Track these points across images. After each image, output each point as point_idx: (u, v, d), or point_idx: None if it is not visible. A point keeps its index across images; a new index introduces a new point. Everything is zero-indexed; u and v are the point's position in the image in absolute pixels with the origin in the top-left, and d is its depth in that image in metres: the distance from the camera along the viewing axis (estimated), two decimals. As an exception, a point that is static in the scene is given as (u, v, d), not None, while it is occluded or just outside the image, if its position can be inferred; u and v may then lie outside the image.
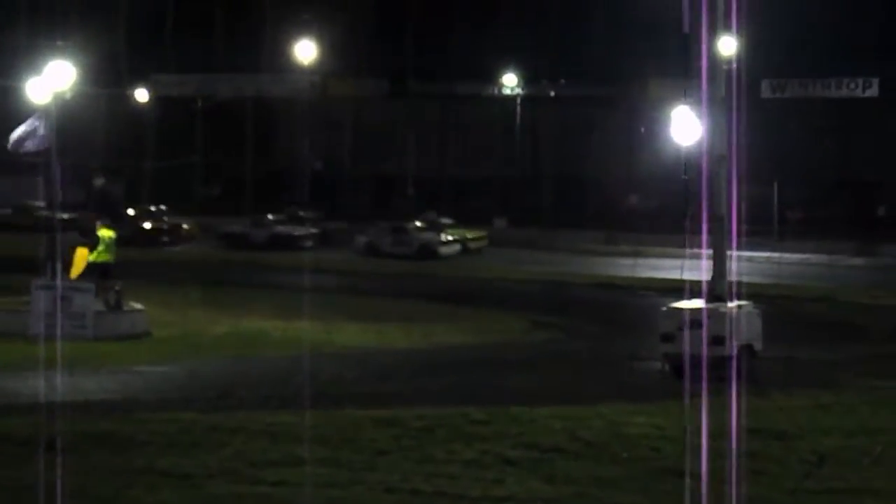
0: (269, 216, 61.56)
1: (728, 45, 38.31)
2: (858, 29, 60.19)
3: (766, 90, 64.23)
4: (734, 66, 35.49)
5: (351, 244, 58.89)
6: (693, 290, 32.01)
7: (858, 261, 54.62)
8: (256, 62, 71.84)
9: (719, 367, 26.39)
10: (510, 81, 71.33)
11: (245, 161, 72.08)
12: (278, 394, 25.75)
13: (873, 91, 63.46)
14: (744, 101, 50.15)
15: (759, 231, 56.13)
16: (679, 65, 36.15)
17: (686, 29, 31.62)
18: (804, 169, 62.38)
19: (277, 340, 34.33)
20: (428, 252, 56.94)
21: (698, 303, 30.71)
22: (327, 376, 28.04)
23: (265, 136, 73.06)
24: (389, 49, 70.80)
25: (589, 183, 65.30)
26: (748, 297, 33.01)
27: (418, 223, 59.25)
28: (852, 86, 63.72)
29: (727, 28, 35.50)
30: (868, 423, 25.16)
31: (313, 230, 61.02)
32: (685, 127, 39.50)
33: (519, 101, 70.83)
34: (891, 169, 61.44)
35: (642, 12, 54.02)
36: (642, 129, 63.46)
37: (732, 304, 30.95)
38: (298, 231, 60.69)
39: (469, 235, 59.59)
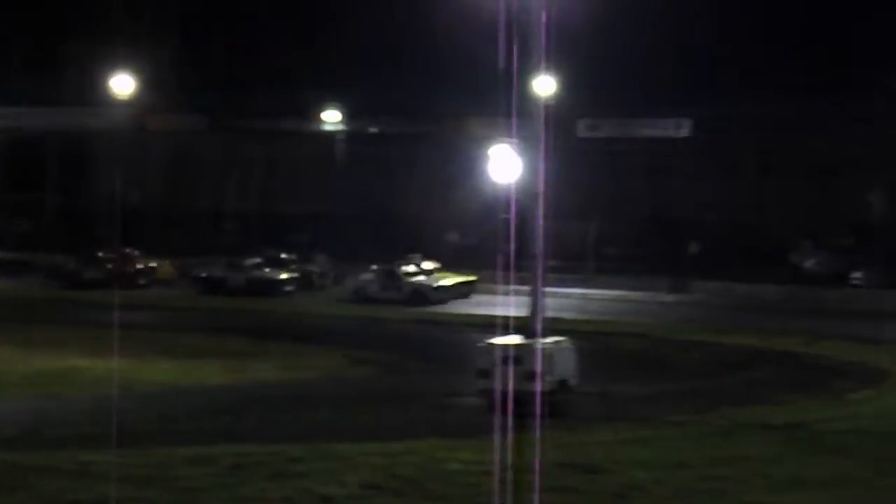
0: (248, 260, 57.77)
1: (544, 85, 38.88)
2: (672, 70, 61.54)
3: (582, 129, 65.25)
4: (550, 104, 35.97)
5: (333, 289, 56.48)
6: (510, 326, 32.20)
7: (671, 297, 55.74)
8: (74, 95, 70.54)
9: (535, 402, 26.56)
10: (331, 117, 71.29)
11: (53, 196, 70.60)
12: (84, 433, 25.12)
13: (686, 131, 64.93)
14: (560, 139, 51.11)
15: (575, 268, 56.93)
16: (497, 103, 36.42)
17: (502, 67, 31.90)
18: (619, 207, 63.52)
19: (87, 379, 33.51)
20: (420, 297, 54.20)
21: (514, 339, 30.93)
22: (137, 415, 27.49)
23: (79, 170, 71.68)
24: (209, 84, 70.19)
25: (409, 220, 65.53)
26: (564, 333, 33.38)
27: (410, 267, 56.08)
28: (665, 125, 65.18)
29: (544, 67, 35.98)
30: (681, 456, 25.60)
31: (294, 274, 57.77)
32: (503, 165, 39.87)
33: (340, 137, 70.79)
34: (702, 207, 62.96)
35: (462, 50, 54.51)
36: (453, 166, 64.09)
37: (548, 340, 31.23)
38: (279, 275, 57.24)
39: (461, 279, 56.57)
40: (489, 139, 46.25)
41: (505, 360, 29.74)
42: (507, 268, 39.63)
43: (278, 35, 68.01)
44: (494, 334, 31.73)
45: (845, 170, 60.05)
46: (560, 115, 50.22)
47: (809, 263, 61.74)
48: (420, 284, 54.87)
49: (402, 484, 22.01)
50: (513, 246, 32.64)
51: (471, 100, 60.18)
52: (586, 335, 40.27)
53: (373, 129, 71.61)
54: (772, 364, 39.23)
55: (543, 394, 27.96)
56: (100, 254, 59.14)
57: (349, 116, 71.26)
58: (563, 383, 30.86)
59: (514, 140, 38.14)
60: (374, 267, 56.51)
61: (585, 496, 21.89)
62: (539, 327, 31.76)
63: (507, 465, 21.01)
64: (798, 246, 62.87)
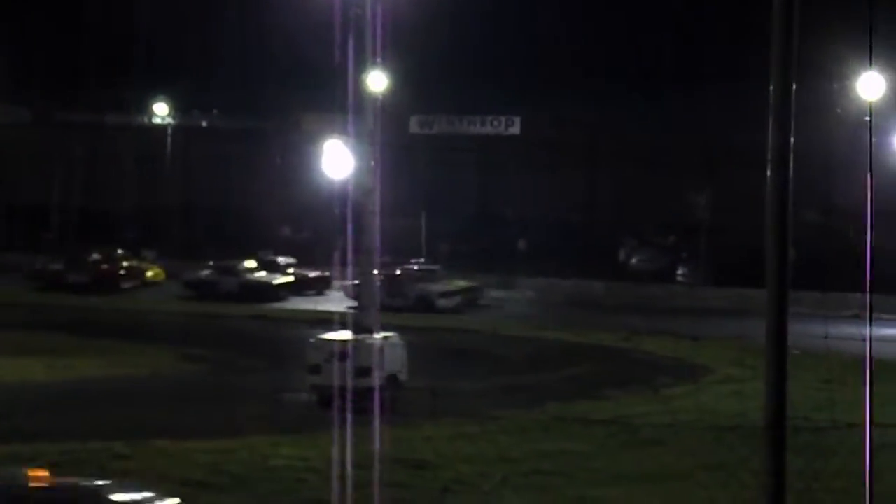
0: (242, 263, 55.75)
1: (377, 81, 39.16)
2: (503, 68, 62.26)
3: (414, 126, 65.70)
4: (383, 100, 36.25)
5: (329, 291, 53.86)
6: (342, 321, 32.40)
7: (500, 293, 56.39)
8: None
9: (366, 398, 26.80)
10: (161, 111, 70.58)
11: None
12: None
13: (516, 129, 65.81)
14: (393, 136, 51.41)
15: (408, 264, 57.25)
16: (331, 99, 36.60)
17: (336, 64, 32.07)
18: (451, 203, 64.10)
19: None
20: (426, 304, 51.41)
21: (346, 334, 31.13)
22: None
23: None
24: (34, 77, 68.84)
25: (242, 214, 65.17)
26: (397, 329, 33.70)
27: (414, 268, 53.71)
28: (496, 123, 65.96)
29: (377, 64, 36.24)
30: (507, 451, 26.06)
31: (289, 278, 55.68)
32: (336, 160, 40.05)
33: (170, 131, 70.12)
34: (531, 204, 63.83)
35: (297, 46, 54.42)
36: (287, 162, 64.00)
37: (379, 336, 31.50)
38: (274, 279, 55.20)
39: (467, 285, 53.98)
40: (323, 135, 46.39)
41: (336, 356, 29.94)
42: (342, 263, 39.89)
43: (108, 27, 66.99)
44: (327, 330, 31.92)
45: (671, 168, 61.36)
46: (393, 111, 50.63)
47: (635, 260, 63.05)
48: (426, 291, 52.34)
49: (228, 481, 22.05)
50: (348, 241, 32.87)
51: (305, 95, 60.25)
52: (416, 330, 40.65)
53: (204, 124, 71.10)
54: (595, 360, 40.00)
55: (374, 389, 28.21)
56: (93, 256, 57.04)
57: (179, 111, 70.61)
58: (393, 379, 31.15)
59: (348, 136, 38.35)
60: (211, 263, 55.95)
61: (413, 491, 22.19)
62: (372, 323, 32.06)
63: (336, 461, 21.21)
64: (624, 243, 64.17)
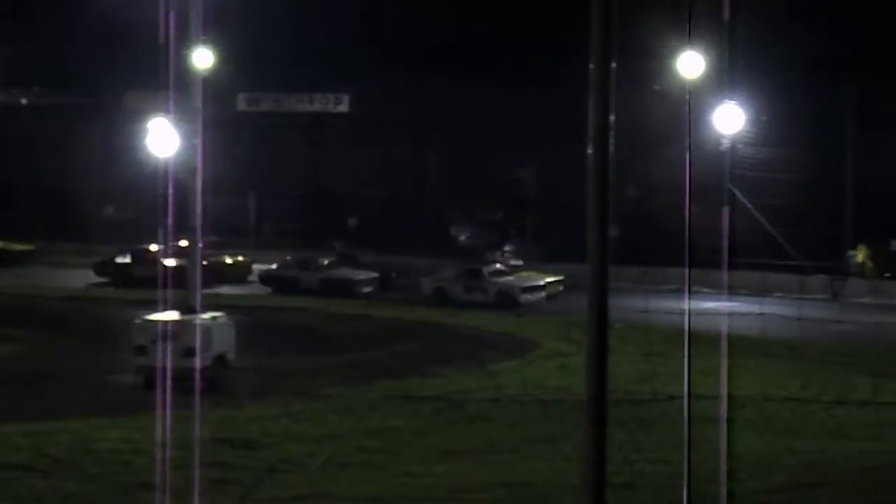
0: (322, 259, 52.26)
1: (203, 58, 38.65)
2: (332, 46, 62.01)
3: (241, 103, 65.07)
4: (208, 77, 35.79)
5: (416, 289, 49.53)
6: (169, 301, 32.02)
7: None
8: None
9: (192, 378, 26.56)
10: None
11: None
12: None
13: (344, 106, 65.60)
14: (219, 113, 50.85)
15: (236, 243, 56.81)
16: (156, 76, 36.01)
17: (161, 40, 31.58)
18: (280, 181, 63.70)
19: None
20: (508, 300, 48.24)
21: (172, 315, 30.78)
22: None
23: None
24: None
25: (66, 194, 63.86)
26: (224, 309, 33.42)
27: (497, 265, 50.88)
28: (324, 101, 65.68)
29: (202, 40, 35.80)
30: (334, 429, 26.08)
31: (372, 274, 51.84)
32: (161, 139, 39.48)
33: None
34: (361, 182, 63.78)
35: (121, 22, 53.44)
36: (110, 140, 63.00)
37: (206, 316, 31.21)
38: (358, 275, 51.51)
39: (551, 279, 50.11)
40: (147, 113, 45.67)
41: (162, 337, 29.59)
42: (164, 242, 39.27)
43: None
44: (153, 310, 31.50)
45: (499, 146, 61.89)
46: (220, 89, 50.06)
47: (464, 237, 63.54)
48: (509, 286, 49.21)
49: (50, 464, 21.66)
50: (170, 220, 32.46)
51: (129, 73, 59.20)
52: (245, 310, 40.39)
53: (24, 101, 69.43)
54: (424, 337, 40.19)
55: (201, 370, 27.97)
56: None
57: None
58: (220, 358, 30.94)
59: (172, 114, 37.83)
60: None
61: (239, 471, 22.07)
62: (197, 302, 31.74)
63: (162, 442, 20.99)
64: (454, 220, 64.60)
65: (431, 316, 44.28)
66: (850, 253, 52.97)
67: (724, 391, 20.56)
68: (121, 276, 52.11)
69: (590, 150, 7.50)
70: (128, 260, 53.03)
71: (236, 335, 32.06)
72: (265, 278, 52.45)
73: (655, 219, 49.18)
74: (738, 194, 45.05)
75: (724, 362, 19.25)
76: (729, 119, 43.31)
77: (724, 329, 31.07)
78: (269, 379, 31.94)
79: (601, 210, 7.42)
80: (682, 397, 21.73)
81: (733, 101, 43.96)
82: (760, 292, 47.24)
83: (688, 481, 15.55)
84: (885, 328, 41.45)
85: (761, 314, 41.48)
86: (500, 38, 60.49)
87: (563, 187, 48.35)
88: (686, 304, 36.41)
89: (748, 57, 39.96)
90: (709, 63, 38.30)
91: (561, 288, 49.19)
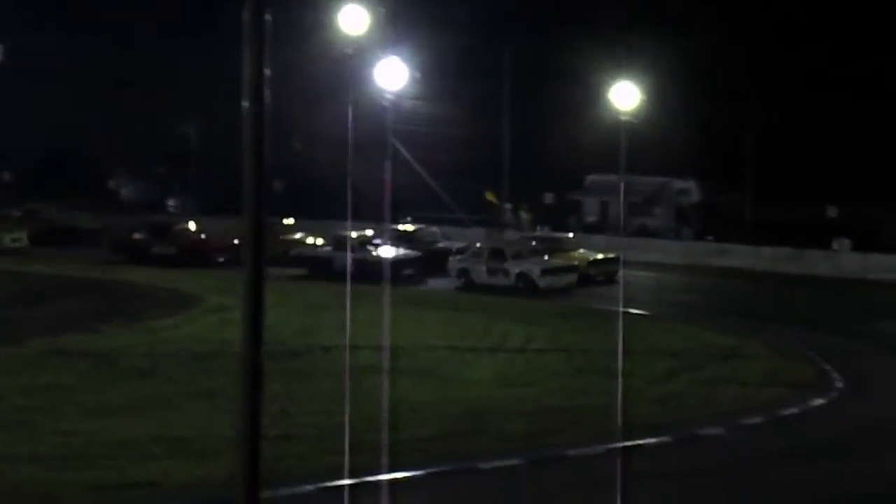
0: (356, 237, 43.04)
1: None
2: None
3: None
4: None
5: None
6: None
7: None
8: None
9: None
10: None
11: None
12: None
13: (-1, 57, 63.19)
14: None
15: None
16: None
17: None
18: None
19: None
20: (527, 283, 42.72)
21: None
22: None
23: None
24: None
25: None
26: None
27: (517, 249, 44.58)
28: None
29: None
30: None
31: (416, 253, 45.26)
32: None
33: None
34: (17, 134, 61.44)
35: None
36: None
37: None
38: (399, 255, 43.95)
39: (603, 256, 44.49)
40: None
41: None
42: None
43: None
44: None
45: (162, 99, 60.83)
46: None
47: (125, 191, 62.37)
48: (526, 268, 43.14)
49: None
50: None
51: None
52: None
53: None
54: (84, 293, 39.25)
55: None
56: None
57: None
58: None
59: None
60: None
61: None
62: None
63: None
64: (115, 173, 63.32)
65: (91, 272, 43.25)
66: (507, 205, 54.51)
67: (385, 342, 20.97)
68: None
69: (244, 104, 7.45)
70: None
71: None
72: (300, 260, 46.84)
73: (322, 172, 49.32)
74: (402, 149, 45.65)
75: (387, 313, 19.60)
76: (392, 74, 43.82)
77: (387, 278, 31.65)
78: None
79: (256, 164, 7.40)
80: (341, 348, 22.04)
81: (397, 56, 44.53)
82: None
83: (347, 431, 15.80)
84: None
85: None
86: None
87: (226, 141, 48.00)
88: (348, 257, 36.81)
89: (414, 13, 40.55)
90: (373, 18, 38.62)
91: (615, 268, 43.23)
